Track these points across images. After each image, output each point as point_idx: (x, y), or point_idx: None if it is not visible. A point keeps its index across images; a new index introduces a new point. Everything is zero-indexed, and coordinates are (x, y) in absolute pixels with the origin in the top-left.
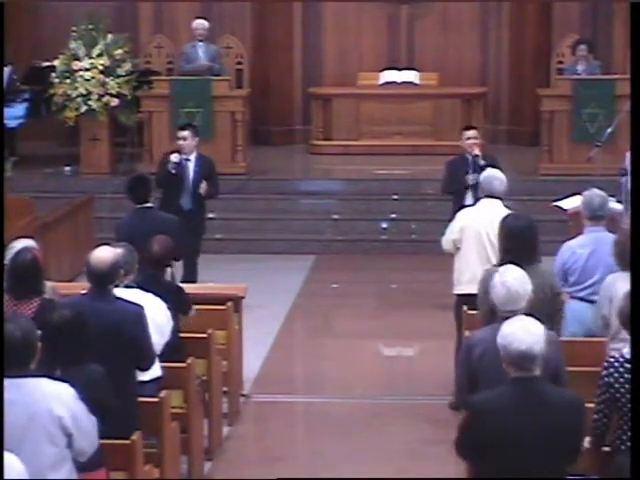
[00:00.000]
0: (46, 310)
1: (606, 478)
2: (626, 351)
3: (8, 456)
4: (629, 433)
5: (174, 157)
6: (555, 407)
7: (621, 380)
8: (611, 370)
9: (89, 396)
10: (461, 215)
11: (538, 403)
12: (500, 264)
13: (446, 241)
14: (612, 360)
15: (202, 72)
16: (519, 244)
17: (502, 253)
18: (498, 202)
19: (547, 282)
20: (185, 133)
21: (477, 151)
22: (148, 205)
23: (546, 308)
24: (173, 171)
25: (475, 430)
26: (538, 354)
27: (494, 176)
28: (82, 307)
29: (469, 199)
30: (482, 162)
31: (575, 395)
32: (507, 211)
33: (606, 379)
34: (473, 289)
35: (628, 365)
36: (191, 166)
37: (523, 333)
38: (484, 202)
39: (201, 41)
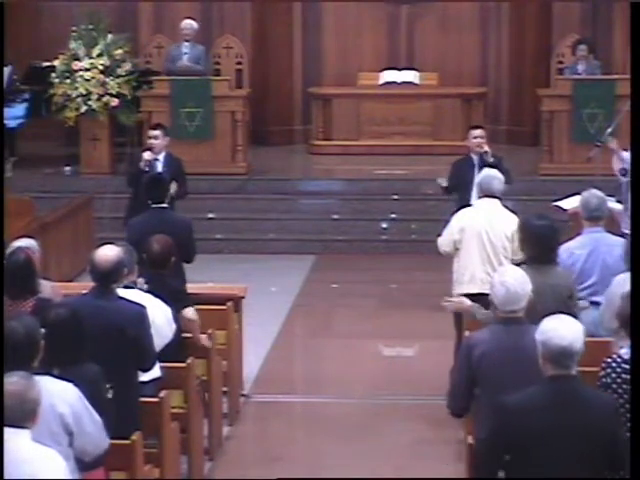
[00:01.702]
0: (42, 310)
1: (606, 478)
2: (624, 351)
3: (51, 452)
4: (628, 433)
5: (147, 155)
6: (592, 407)
7: (618, 380)
8: (609, 370)
9: (86, 395)
10: (460, 216)
11: (575, 402)
12: (523, 263)
13: (446, 242)
14: (610, 361)
15: (183, 72)
16: (541, 244)
17: (524, 252)
18: (497, 202)
19: (562, 284)
20: (156, 132)
21: (486, 148)
22: (163, 205)
23: (560, 309)
24: (146, 169)
25: (509, 430)
26: (578, 351)
27: (493, 176)
28: (85, 305)
29: (475, 199)
30: (491, 159)
31: (610, 397)
32: (506, 211)
33: (604, 380)
34: (473, 289)
35: (626, 365)
36: (159, 165)
37: (564, 329)
38: (483, 202)
39: (187, 41)
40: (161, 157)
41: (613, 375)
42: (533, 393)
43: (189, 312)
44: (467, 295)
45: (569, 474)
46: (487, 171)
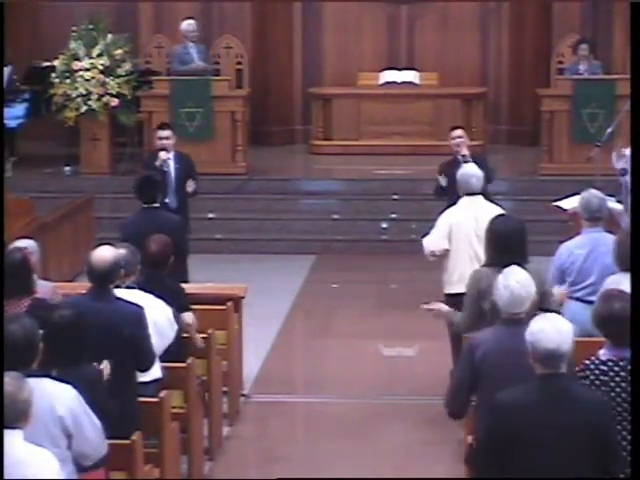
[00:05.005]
0: (37, 310)
1: (600, 478)
2: (601, 352)
3: (45, 452)
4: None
5: (164, 155)
6: (582, 404)
7: (596, 382)
8: (587, 372)
9: (86, 397)
10: (446, 216)
11: (565, 399)
12: (489, 265)
13: (434, 243)
14: (588, 362)
15: (198, 73)
16: (511, 246)
17: (492, 255)
18: (480, 198)
19: (537, 282)
20: (168, 133)
21: (465, 151)
22: (155, 205)
23: (536, 307)
24: (165, 169)
25: (500, 427)
26: (566, 353)
27: (470, 174)
28: (82, 306)
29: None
30: (469, 161)
31: (600, 394)
32: (490, 205)
33: (582, 381)
34: (463, 288)
35: (604, 367)
36: (171, 164)
37: (552, 331)
38: (465, 200)
39: (193, 42)
40: (171, 156)
41: (592, 377)
42: (524, 391)
43: (188, 317)
44: (457, 295)
45: (561, 470)
46: (464, 169)
